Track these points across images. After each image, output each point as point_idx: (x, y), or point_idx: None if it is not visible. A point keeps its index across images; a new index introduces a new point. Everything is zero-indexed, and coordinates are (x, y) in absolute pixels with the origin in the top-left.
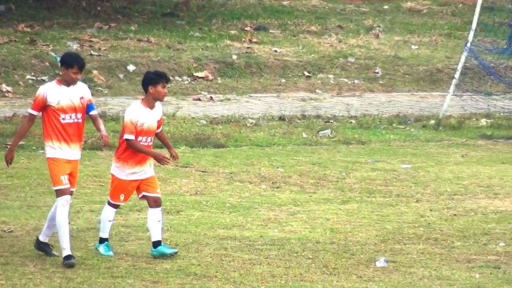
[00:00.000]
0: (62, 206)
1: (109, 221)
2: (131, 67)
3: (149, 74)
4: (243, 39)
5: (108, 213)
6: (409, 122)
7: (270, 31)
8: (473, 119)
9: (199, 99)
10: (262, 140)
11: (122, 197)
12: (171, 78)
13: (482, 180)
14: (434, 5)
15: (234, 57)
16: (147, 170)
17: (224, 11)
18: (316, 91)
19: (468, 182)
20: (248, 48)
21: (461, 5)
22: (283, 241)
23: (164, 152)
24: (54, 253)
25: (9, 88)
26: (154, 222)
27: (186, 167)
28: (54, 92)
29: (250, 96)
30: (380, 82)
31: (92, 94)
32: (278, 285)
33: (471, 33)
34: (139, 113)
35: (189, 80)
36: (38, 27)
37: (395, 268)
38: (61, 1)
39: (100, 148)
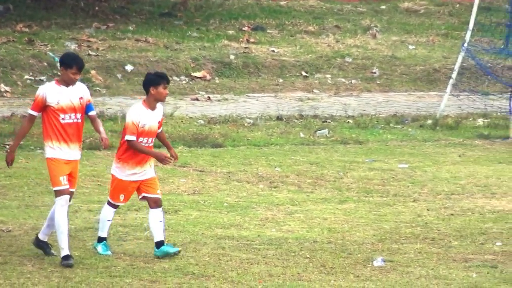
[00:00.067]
0: (60, 206)
1: (108, 220)
2: (129, 67)
3: (150, 76)
4: (241, 39)
5: (107, 212)
6: (406, 122)
7: (268, 31)
8: (470, 119)
9: (197, 99)
10: (259, 140)
11: (122, 197)
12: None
13: (479, 180)
14: (431, 5)
15: (232, 57)
16: (147, 171)
17: (221, 11)
18: (314, 91)
19: (465, 182)
20: (245, 48)
21: (458, 5)
22: (281, 240)
23: (165, 152)
24: (53, 252)
25: (7, 88)
26: (156, 223)
27: (184, 167)
28: (53, 92)
29: (248, 96)
30: (378, 82)
31: (90, 94)
32: (276, 285)
33: (468, 33)
34: (140, 114)
35: (187, 80)
36: (36, 27)
37: (392, 268)
38: (59, 1)
39: (98, 148)
